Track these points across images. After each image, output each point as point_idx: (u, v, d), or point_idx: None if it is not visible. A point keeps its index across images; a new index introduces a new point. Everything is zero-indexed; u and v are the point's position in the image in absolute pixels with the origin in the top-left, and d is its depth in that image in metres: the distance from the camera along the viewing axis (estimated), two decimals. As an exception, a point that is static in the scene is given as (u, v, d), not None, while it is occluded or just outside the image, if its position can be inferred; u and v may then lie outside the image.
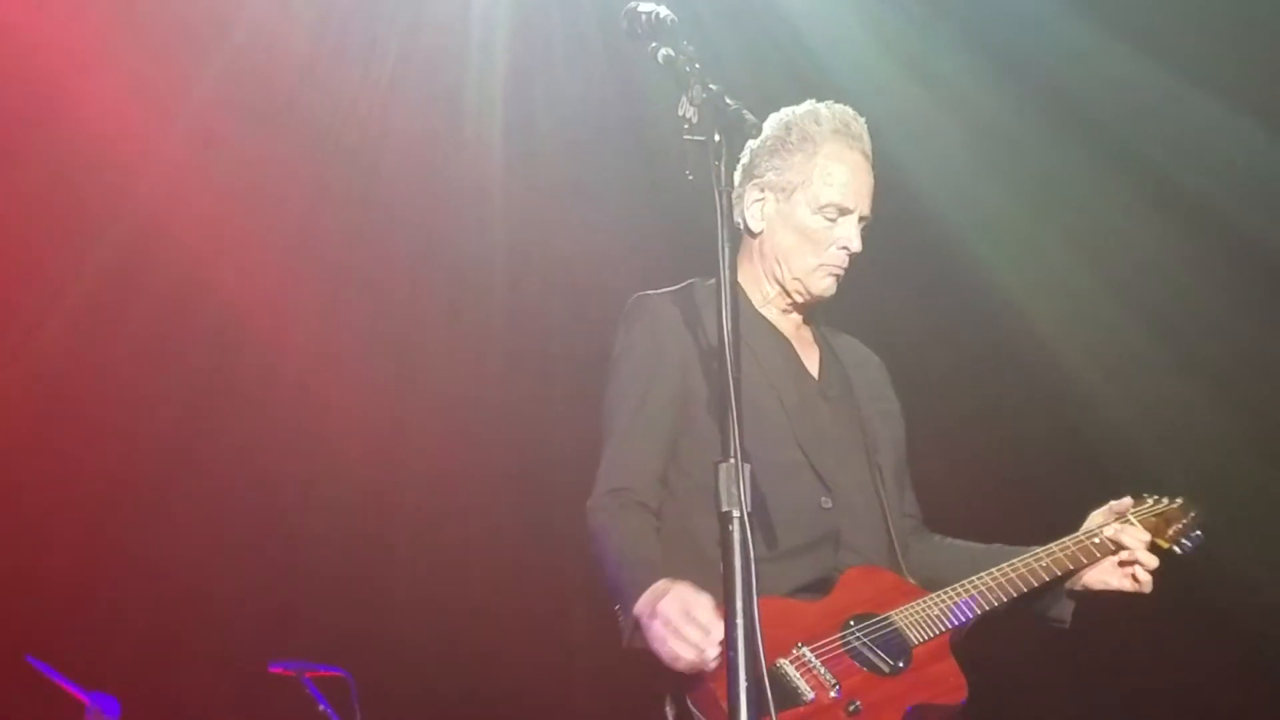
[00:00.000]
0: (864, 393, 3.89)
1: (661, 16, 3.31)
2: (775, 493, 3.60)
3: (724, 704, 3.05)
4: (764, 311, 3.84)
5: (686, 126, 3.25)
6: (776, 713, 3.24)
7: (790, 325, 3.87)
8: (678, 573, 3.47)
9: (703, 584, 3.38)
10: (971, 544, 3.95)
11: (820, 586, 3.63)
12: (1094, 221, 6.54)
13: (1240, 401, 6.32)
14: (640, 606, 3.39)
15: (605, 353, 6.48)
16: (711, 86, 3.25)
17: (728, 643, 3.05)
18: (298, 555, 6.53)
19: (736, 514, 3.10)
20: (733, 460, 3.13)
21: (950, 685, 3.53)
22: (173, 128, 6.39)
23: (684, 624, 3.30)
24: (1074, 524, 3.91)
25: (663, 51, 3.32)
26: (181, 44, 6.25)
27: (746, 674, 3.02)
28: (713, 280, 3.72)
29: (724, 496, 3.12)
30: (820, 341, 3.93)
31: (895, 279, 6.46)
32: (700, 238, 3.28)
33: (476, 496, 6.64)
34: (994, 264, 6.60)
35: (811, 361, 3.86)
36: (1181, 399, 6.38)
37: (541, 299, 6.80)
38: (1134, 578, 3.77)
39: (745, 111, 3.26)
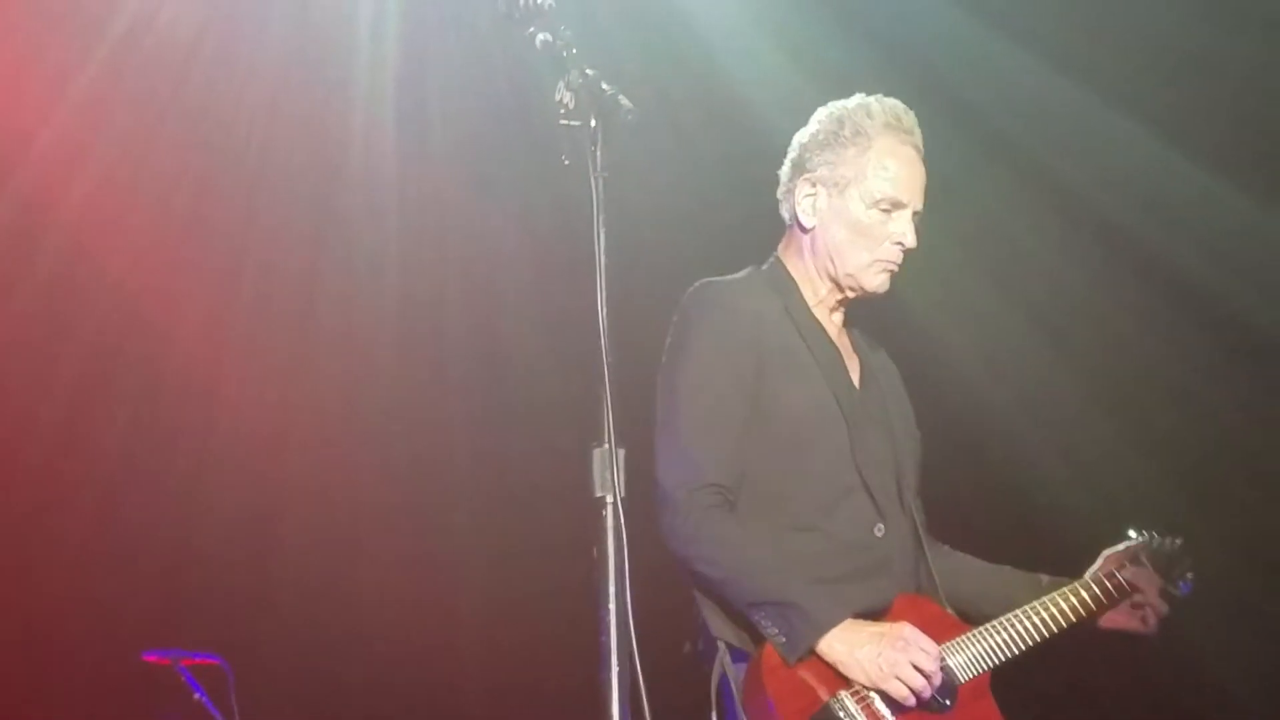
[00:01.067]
0: (893, 407, 3.87)
1: (539, 1, 3.29)
2: (833, 516, 3.61)
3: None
4: (816, 312, 3.80)
5: (563, 111, 3.24)
6: None
7: (834, 328, 3.84)
8: None
9: None
10: (980, 563, 3.96)
11: (870, 614, 3.59)
12: (988, 224, 6.58)
13: (1145, 422, 6.40)
14: (838, 634, 3.43)
15: (503, 339, 6.59)
16: (588, 71, 3.24)
17: (600, 629, 3.06)
18: (177, 542, 6.45)
19: (610, 499, 3.11)
20: (607, 445, 3.12)
21: None
22: (58, 113, 6.29)
23: (919, 653, 3.44)
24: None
25: (540, 36, 3.30)
26: (67, 29, 6.15)
27: (620, 661, 3.02)
28: (767, 266, 3.83)
29: (597, 482, 3.12)
30: (858, 348, 3.89)
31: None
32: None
33: (364, 485, 6.59)
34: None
35: (854, 371, 3.82)
36: (1088, 420, 6.47)
37: (435, 288, 6.76)
38: (1144, 620, 3.85)
39: (621, 96, 3.26)
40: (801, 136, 3.82)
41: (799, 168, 3.79)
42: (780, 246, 3.84)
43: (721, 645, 3.58)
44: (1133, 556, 3.85)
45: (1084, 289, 6.42)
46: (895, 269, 3.74)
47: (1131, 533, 3.93)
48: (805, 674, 3.44)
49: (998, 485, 6.56)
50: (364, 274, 6.67)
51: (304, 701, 6.34)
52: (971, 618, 3.76)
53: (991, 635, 3.63)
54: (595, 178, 3.21)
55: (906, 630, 3.45)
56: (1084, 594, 3.76)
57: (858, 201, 3.70)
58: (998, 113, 6.39)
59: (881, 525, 3.63)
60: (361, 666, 6.41)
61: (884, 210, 3.69)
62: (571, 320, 3.34)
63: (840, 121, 3.75)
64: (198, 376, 6.55)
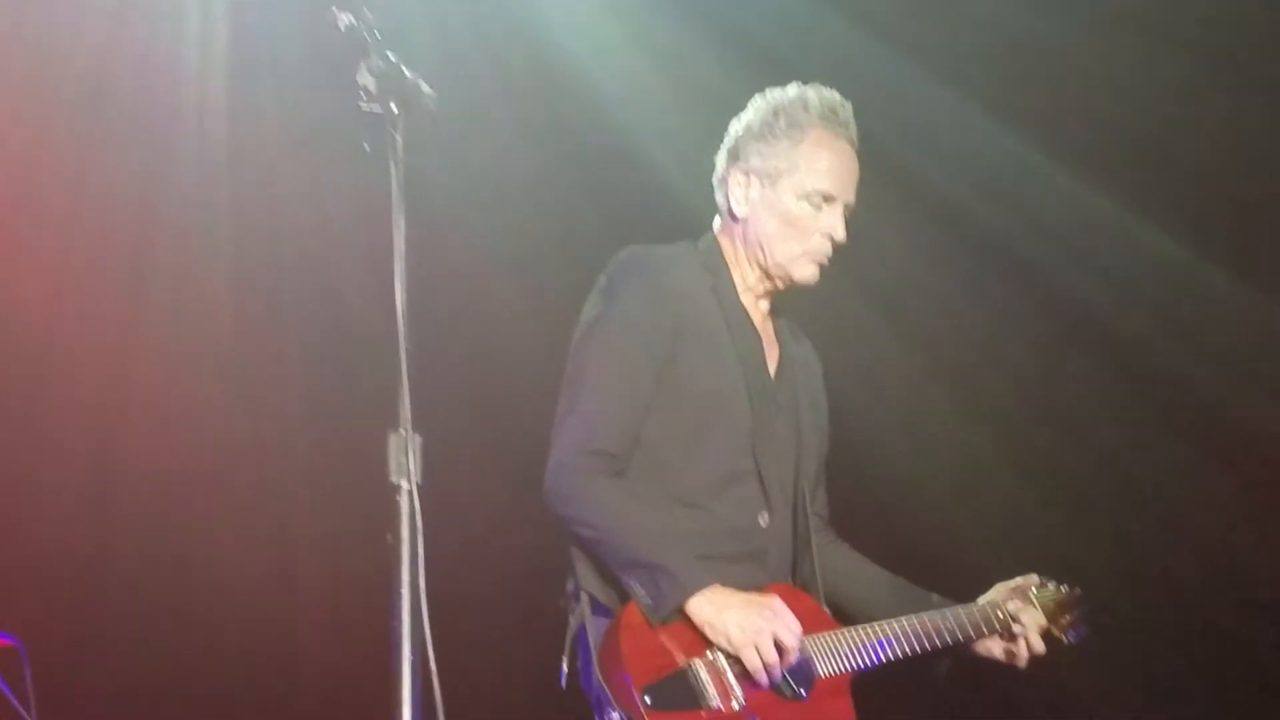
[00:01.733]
0: (805, 399, 3.90)
1: None
2: (721, 498, 3.66)
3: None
4: (743, 298, 3.83)
5: (364, 95, 3.24)
6: (682, 711, 3.41)
7: (759, 316, 3.87)
8: None
9: None
10: (875, 570, 4.00)
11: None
12: (856, 232, 6.62)
13: (1019, 436, 6.52)
14: (706, 595, 3.46)
15: (351, 315, 6.53)
16: (391, 56, 3.23)
17: (392, 615, 3.07)
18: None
19: (405, 485, 3.12)
20: (403, 431, 3.13)
21: None
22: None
23: (782, 626, 3.47)
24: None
25: (344, 18, 3.29)
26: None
27: (412, 648, 3.04)
28: (702, 243, 3.86)
29: (393, 467, 3.12)
30: (780, 338, 3.93)
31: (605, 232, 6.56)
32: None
33: (197, 467, 6.50)
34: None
35: (772, 360, 3.86)
36: (958, 431, 6.60)
37: (270, 266, 6.67)
38: (1016, 656, 3.91)
39: (423, 83, 3.25)
40: (737, 125, 3.86)
41: (733, 156, 3.83)
42: (716, 227, 3.88)
43: (585, 596, 3.62)
44: (1023, 593, 3.91)
45: (958, 299, 6.54)
46: (824, 262, 3.78)
47: (1034, 576, 4.00)
48: (665, 637, 3.47)
49: (864, 495, 6.59)
50: (196, 251, 6.56)
51: (106, 684, 6.24)
52: (852, 620, 3.80)
53: (861, 636, 3.67)
54: (395, 163, 3.21)
55: (776, 602, 3.49)
56: (964, 619, 3.82)
57: (789, 193, 3.73)
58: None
59: (767, 515, 3.69)
60: (170, 651, 6.31)
61: (815, 204, 3.73)
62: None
63: (775, 112, 3.79)
64: (24, 353, 6.40)
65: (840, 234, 3.75)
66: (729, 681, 3.47)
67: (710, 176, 4.01)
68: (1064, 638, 3.97)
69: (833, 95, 3.84)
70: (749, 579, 3.62)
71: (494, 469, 6.35)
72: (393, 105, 3.23)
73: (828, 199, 3.73)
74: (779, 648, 3.46)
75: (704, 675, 3.46)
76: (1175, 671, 6.50)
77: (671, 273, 3.71)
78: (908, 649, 3.70)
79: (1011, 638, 3.88)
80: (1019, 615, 3.87)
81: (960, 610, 3.82)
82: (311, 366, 6.58)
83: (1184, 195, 6.18)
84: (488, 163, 6.50)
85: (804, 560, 3.79)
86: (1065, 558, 4.18)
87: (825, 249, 3.76)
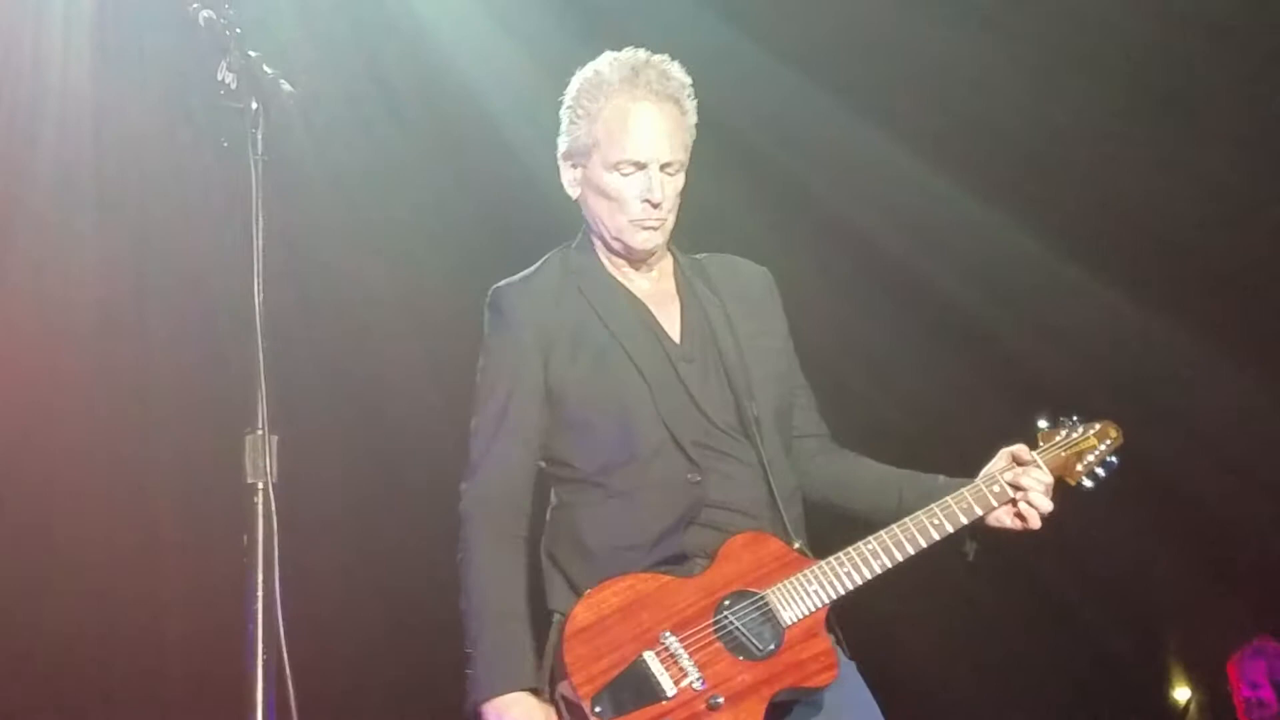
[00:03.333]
0: (741, 330, 3.79)
1: None
2: (645, 474, 3.59)
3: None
4: (617, 275, 3.78)
5: (223, 92, 3.21)
6: (636, 710, 3.34)
7: (647, 283, 3.80)
8: (560, 559, 3.62)
9: (583, 574, 3.53)
10: (880, 467, 3.86)
11: (700, 553, 3.57)
12: (710, 214, 6.68)
13: (863, 407, 6.55)
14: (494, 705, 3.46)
15: (202, 304, 6.43)
16: (251, 53, 3.22)
17: (247, 616, 3.05)
18: None
19: (260, 485, 3.11)
20: (259, 430, 3.13)
21: (819, 666, 3.49)
22: None
23: None
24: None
25: (204, 13, 3.26)
26: None
27: (266, 649, 3.03)
28: (576, 241, 3.82)
29: (249, 467, 3.11)
30: (682, 291, 3.83)
31: (512, 255, 6.59)
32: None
33: (50, 461, 6.39)
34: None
35: (671, 321, 3.78)
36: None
37: (132, 250, 6.56)
38: (1020, 516, 3.71)
39: (283, 80, 3.24)
40: (562, 111, 3.83)
41: (559, 146, 3.82)
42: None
43: (557, 616, 3.57)
44: (1024, 456, 3.73)
45: (811, 280, 6.53)
46: (656, 224, 3.70)
47: (1041, 423, 3.81)
48: (616, 631, 3.42)
49: None
50: (58, 240, 6.45)
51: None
52: (873, 525, 3.68)
53: (828, 571, 3.54)
54: (255, 161, 3.19)
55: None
56: (953, 505, 3.65)
57: (600, 168, 3.71)
58: (723, 106, 6.51)
59: (695, 473, 3.60)
60: (41, 655, 6.20)
61: (625, 173, 3.68)
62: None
63: (576, 93, 3.77)
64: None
65: (657, 195, 3.66)
66: (685, 665, 3.40)
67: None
68: (1084, 482, 3.77)
69: (632, 55, 3.77)
70: (692, 542, 3.57)
71: (355, 469, 6.31)
72: (252, 102, 3.20)
73: (637, 165, 3.67)
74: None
75: (655, 665, 3.40)
76: (1011, 645, 6.59)
77: (524, 302, 3.74)
78: (887, 562, 3.57)
79: (1015, 503, 3.70)
80: (1018, 480, 3.69)
81: (949, 500, 3.65)
82: (175, 361, 6.48)
83: (1040, 188, 6.30)
84: (358, 156, 6.47)
85: (773, 498, 3.67)
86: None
87: (648, 213, 3.68)
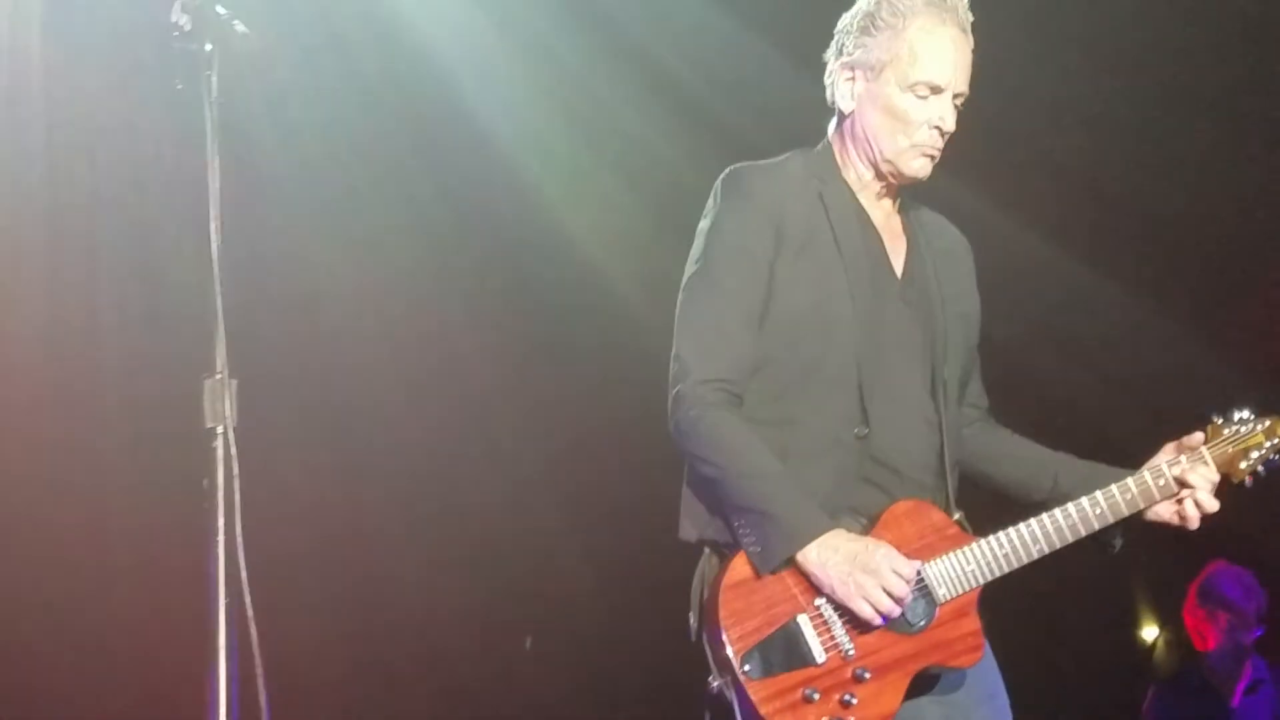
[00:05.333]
0: (947, 290, 3.71)
1: None
2: (820, 411, 3.50)
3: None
4: (860, 197, 3.66)
5: (177, 34, 3.18)
6: (784, 673, 3.31)
7: (882, 213, 3.69)
8: None
9: None
10: (1035, 448, 3.80)
11: (857, 511, 3.50)
12: (650, 156, 6.74)
13: None
14: (814, 546, 3.34)
15: (154, 266, 6.38)
16: None
17: (208, 560, 3.05)
18: None
19: (220, 429, 3.10)
20: (219, 375, 3.12)
21: (966, 647, 3.46)
22: None
23: (891, 577, 3.33)
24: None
25: None
26: None
27: (228, 592, 3.03)
28: (818, 148, 3.69)
29: (208, 412, 3.10)
30: (910, 230, 3.73)
31: (466, 211, 6.67)
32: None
33: (6, 407, 6.33)
34: (545, 185, 6.76)
35: (898, 256, 3.68)
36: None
37: (85, 207, 6.49)
38: (1182, 515, 3.63)
39: (237, 22, 3.21)
40: (844, 19, 3.67)
41: (838, 51, 3.66)
42: (830, 129, 3.73)
43: (705, 550, 3.53)
44: (1190, 450, 3.64)
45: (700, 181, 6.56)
46: (935, 154, 3.60)
47: (1216, 418, 3.69)
48: (770, 590, 3.37)
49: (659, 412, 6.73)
50: (7, 190, 6.36)
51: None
52: (1026, 506, 3.65)
53: (986, 550, 3.49)
54: (210, 104, 3.17)
55: (880, 554, 3.35)
56: (1118, 496, 3.56)
57: (893, 85, 3.56)
58: (659, 48, 6.55)
59: (865, 427, 3.50)
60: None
61: (920, 95, 3.55)
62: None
63: (878, 2, 3.59)
64: None
65: (949, 124, 3.56)
66: (836, 633, 3.36)
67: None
68: (1246, 480, 3.65)
69: None
70: (864, 497, 3.50)
71: (313, 414, 6.31)
72: (207, 45, 3.18)
73: (934, 89, 3.54)
74: (892, 596, 3.34)
75: (808, 630, 3.36)
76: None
77: (768, 187, 3.58)
78: (1046, 548, 3.51)
79: (1180, 500, 3.62)
80: (1186, 476, 3.60)
81: (1114, 490, 3.56)
82: (128, 309, 6.43)
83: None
84: (316, 113, 6.42)
85: (940, 465, 3.61)
86: None
87: (934, 141, 3.57)
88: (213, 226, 3.15)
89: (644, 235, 6.74)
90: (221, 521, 3.06)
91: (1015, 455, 3.81)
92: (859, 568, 3.33)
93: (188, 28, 3.18)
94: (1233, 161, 6.63)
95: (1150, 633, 7.80)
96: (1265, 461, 3.66)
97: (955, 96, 3.59)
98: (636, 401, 6.87)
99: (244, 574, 3.04)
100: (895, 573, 3.34)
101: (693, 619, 3.50)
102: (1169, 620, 7.39)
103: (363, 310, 6.59)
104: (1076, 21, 6.29)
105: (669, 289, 6.69)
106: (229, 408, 3.11)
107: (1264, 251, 6.86)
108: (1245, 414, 3.70)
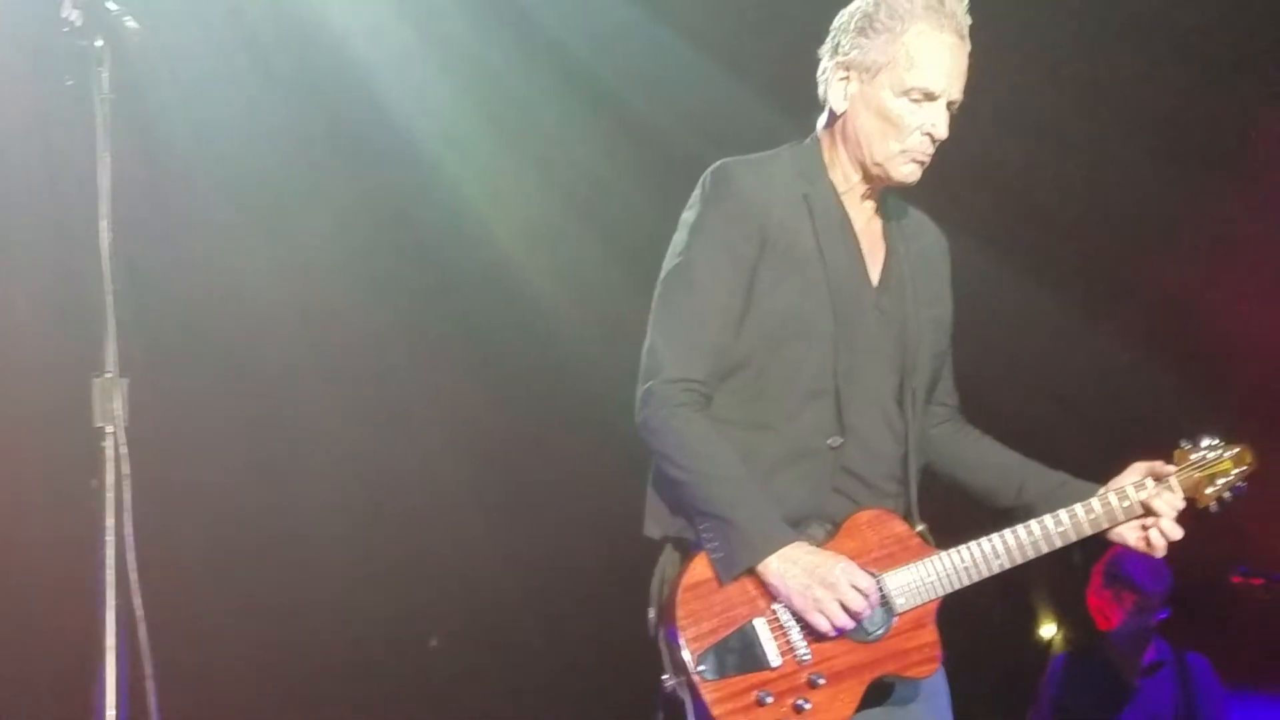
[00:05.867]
0: (921, 296, 3.70)
1: None
2: (795, 420, 3.49)
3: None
4: (845, 199, 3.63)
5: (67, 30, 3.16)
6: (738, 675, 3.29)
7: (863, 217, 3.66)
8: None
9: None
10: (1003, 453, 3.78)
11: (823, 518, 3.50)
12: (567, 151, 6.74)
13: None
14: (772, 561, 3.34)
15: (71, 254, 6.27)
16: None
17: (98, 561, 3.03)
18: None
19: (110, 429, 3.08)
20: (108, 374, 3.10)
21: (923, 657, 3.46)
22: None
23: (849, 592, 3.33)
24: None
25: None
26: None
27: (117, 592, 3.01)
28: (806, 143, 3.65)
29: (97, 411, 3.08)
30: (889, 235, 3.71)
31: (378, 201, 6.63)
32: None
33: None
34: (463, 182, 6.72)
35: (875, 263, 3.65)
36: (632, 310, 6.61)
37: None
38: (1148, 541, 3.61)
39: (129, 18, 3.18)
40: (841, 17, 3.64)
41: (834, 50, 3.62)
42: (819, 126, 3.69)
43: (669, 546, 3.51)
44: (1157, 476, 3.63)
45: (656, 216, 6.56)
46: (925, 160, 3.57)
47: (1185, 444, 3.68)
48: (728, 592, 3.37)
49: (579, 410, 6.78)
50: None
51: None
52: (985, 507, 3.70)
53: (948, 563, 3.49)
54: (100, 100, 3.14)
55: (839, 569, 3.35)
56: (1081, 515, 3.56)
57: (887, 89, 3.53)
58: (578, 45, 6.52)
59: (838, 437, 3.50)
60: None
61: (914, 100, 3.52)
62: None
63: (877, 4, 3.56)
64: None
65: (942, 131, 3.54)
66: (793, 638, 3.36)
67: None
68: (1211, 506, 3.64)
69: None
70: (830, 505, 3.50)
71: (208, 413, 6.27)
72: (97, 40, 3.15)
73: (928, 95, 3.52)
74: (849, 612, 3.34)
75: (764, 634, 3.36)
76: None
77: (756, 186, 3.55)
78: (1008, 563, 3.50)
79: (1145, 527, 3.61)
80: (1152, 503, 3.59)
81: (1079, 509, 3.55)
82: (18, 309, 6.34)
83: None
84: (227, 110, 6.32)
85: (905, 478, 3.62)
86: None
87: (925, 147, 3.55)
88: (103, 225, 3.12)
89: (564, 231, 6.75)
90: (111, 521, 3.03)
91: (982, 461, 3.80)
92: (817, 581, 3.33)
93: (78, 23, 3.16)
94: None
95: (1048, 630, 7.81)
96: (1232, 488, 3.67)
97: (949, 104, 3.57)
98: (558, 398, 7.03)
99: (134, 575, 3.02)
100: (854, 588, 3.35)
101: (651, 614, 3.48)
102: (1065, 613, 7.39)
103: (277, 309, 6.51)
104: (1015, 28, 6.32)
105: (589, 285, 6.86)
106: (119, 407, 3.08)
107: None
108: (1214, 441, 3.70)
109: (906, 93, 3.52)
